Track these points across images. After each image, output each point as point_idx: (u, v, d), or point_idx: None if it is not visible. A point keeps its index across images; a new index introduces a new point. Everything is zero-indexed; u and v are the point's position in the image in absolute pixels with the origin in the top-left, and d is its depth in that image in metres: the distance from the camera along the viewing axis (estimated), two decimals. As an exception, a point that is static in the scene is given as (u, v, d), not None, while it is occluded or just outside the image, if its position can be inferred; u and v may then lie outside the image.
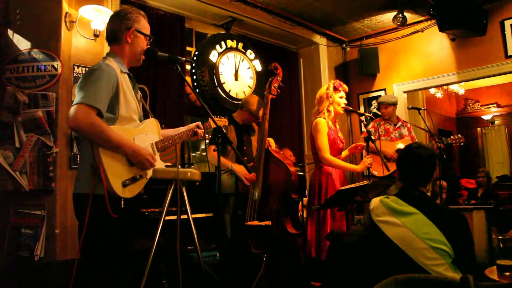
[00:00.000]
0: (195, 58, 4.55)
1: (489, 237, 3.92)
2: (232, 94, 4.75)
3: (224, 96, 4.66)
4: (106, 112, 1.99)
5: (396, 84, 5.75)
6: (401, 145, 4.45)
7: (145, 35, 2.22)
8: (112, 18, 2.21)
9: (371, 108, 5.95)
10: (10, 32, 3.29)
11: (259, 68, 5.05)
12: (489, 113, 8.89)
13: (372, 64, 5.79)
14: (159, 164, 2.25)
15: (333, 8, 5.09)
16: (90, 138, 1.93)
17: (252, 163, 3.53)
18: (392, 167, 3.83)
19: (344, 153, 3.56)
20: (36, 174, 3.16)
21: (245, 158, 3.73)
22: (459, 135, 4.52)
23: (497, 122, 8.91)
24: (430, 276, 1.49)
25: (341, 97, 3.48)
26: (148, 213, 3.12)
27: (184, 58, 2.47)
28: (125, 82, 2.11)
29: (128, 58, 2.20)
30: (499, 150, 8.86)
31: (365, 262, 2.14)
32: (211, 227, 3.62)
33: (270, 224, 3.30)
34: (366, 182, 3.01)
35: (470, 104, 9.18)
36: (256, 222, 3.34)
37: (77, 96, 1.93)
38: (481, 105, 9.04)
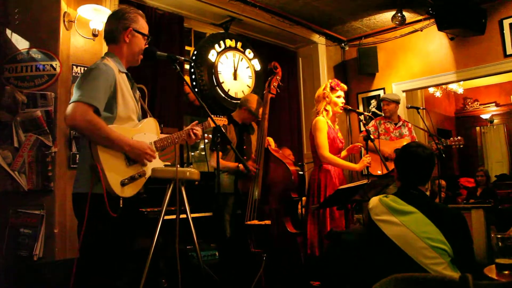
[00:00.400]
0: (194, 57, 4.55)
1: (488, 236, 3.92)
2: (231, 93, 4.75)
3: (223, 95, 4.66)
4: (104, 111, 1.99)
5: (395, 83, 5.75)
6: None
7: (143, 34, 2.22)
8: (110, 18, 2.21)
9: (370, 107, 5.96)
10: (8, 31, 3.28)
11: (258, 67, 5.04)
12: (488, 112, 8.90)
13: (371, 64, 5.79)
14: (158, 163, 2.25)
15: (332, 7, 5.09)
16: (87, 135, 1.93)
17: (252, 158, 3.52)
18: (391, 166, 3.84)
19: (343, 154, 3.57)
20: (35, 174, 3.15)
21: (245, 157, 3.73)
22: (459, 137, 4.52)
23: (496, 121, 8.92)
24: (429, 275, 1.49)
25: (338, 97, 3.49)
26: (147, 213, 3.11)
27: (183, 58, 2.46)
28: (123, 82, 2.11)
29: (126, 58, 2.20)
30: (498, 149, 8.88)
31: (364, 261, 2.15)
32: (210, 227, 3.62)
33: (269, 223, 3.30)
34: (365, 181, 3.01)
35: (469, 103, 9.19)
36: (255, 222, 3.34)
37: (74, 95, 1.93)
38: (480, 104, 9.04)
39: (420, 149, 2.09)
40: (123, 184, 1.98)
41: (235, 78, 4.85)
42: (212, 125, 2.49)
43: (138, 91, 2.32)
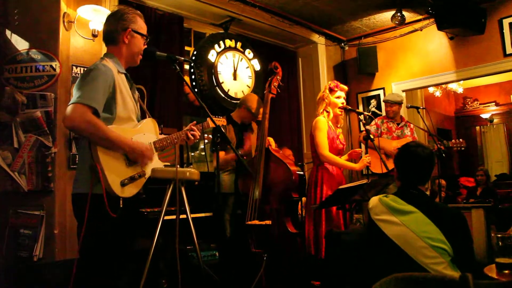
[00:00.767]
0: (193, 57, 4.55)
1: (488, 235, 3.92)
2: (231, 93, 4.75)
3: (223, 95, 4.65)
4: (103, 112, 1.99)
5: (394, 83, 5.75)
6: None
7: (142, 35, 2.22)
8: (108, 19, 2.21)
9: (370, 107, 5.96)
10: (8, 32, 3.28)
11: (257, 67, 5.04)
12: (488, 112, 8.90)
13: (371, 63, 5.80)
14: (158, 164, 2.25)
15: (331, 7, 5.09)
16: (87, 136, 1.93)
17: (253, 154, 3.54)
18: (391, 165, 3.84)
19: (344, 158, 3.57)
20: (34, 175, 3.15)
21: (245, 157, 3.73)
22: (460, 139, 4.52)
23: (495, 120, 8.92)
24: (429, 275, 1.49)
25: (338, 97, 3.50)
26: (147, 213, 3.11)
27: (182, 58, 2.46)
28: (122, 82, 2.11)
29: (125, 59, 2.20)
30: (498, 148, 8.87)
31: (364, 261, 2.15)
32: (210, 227, 3.62)
33: (270, 223, 3.30)
34: (365, 181, 3.01)
35: (469, 103, 9.19)
36: (256, 222, 3.34)
37: (73, 96, 1.94)
38: (480, 104, 9.04)
39: (420, 148, 2.09)
40: (123, 184, 1.98)
41: (234, 78, 4.85)
42: (212, 125, 2.49)
43: (137, 92, 2.32)
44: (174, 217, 2.33)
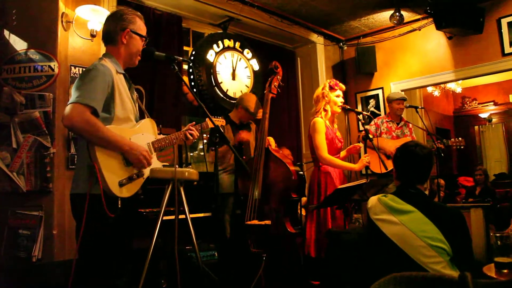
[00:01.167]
0: (192, 57, 4.55)
1: (487, 234, 3.92)
2: (230, 93, 4.74)
3: (222, 95, 4.65)
4: (102, 112, 1.99)
5: (393, 82, 5.76)
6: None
7: (140, 36, 2.22)
8: (108, 19, 2.21)
9: (368, 107, 5.96)
10: (6, 32, 3.28)
11: (256, 67, 5.04)
12: (486, 111, 8.91)
13: (369, 63, 5.80)
14: (156, 164, 2.25)
15: (330, 7, 5.09)
16: (85, 136, 1.93)
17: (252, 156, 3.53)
18: (391, 165, 3.83)
19: (342, 154, 3.57)
20: (33, 175, 3.15)
21: (244, 157, 3.72)
22: (459, 138, 4.53)
23: (494, 120, 8.93)
24: (428, 274, 1.49)
25: (337, 96, 3.49)
26: (146, 213, 3.11)
27: (181, 58, 2.45)
28: (121, 83, 2.11)
29: (123, 59, 2.20)
30: (497, 148, 8.88)
31: (363, 261, 2.15)
32: (209, 227, 3.62)
33: (269, 223, 3.30)
34: (364, 181, 3.01)
35: (468, 102, 9.20)
36: (256, 221, 3.34)
37: (72, 96, 1.93)
38: (478, 103, 9.05)
39: (418, 148, 2.09)
40: (121, 184, 1.98)
41: (233, 78, 4.85)
42: (211, 125, 2.49)
43: (135, 92, 2.31)
44: (173, 217, 2.33)
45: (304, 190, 3.73)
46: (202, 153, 5.30)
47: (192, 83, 4.51)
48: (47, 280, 2.95)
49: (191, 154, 5.29)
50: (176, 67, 2.32)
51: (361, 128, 5.68)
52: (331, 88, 3.47)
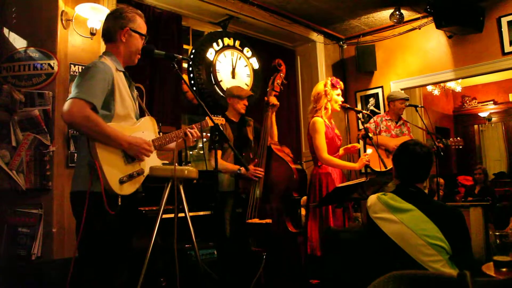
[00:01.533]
0: (192, 56, 4.54)
1: (486, 233, 3.93)
2: (230, 92, 4.73)
3: (222, 94, 4.64)
4: (102, 109, 1.99)
5: (393, 81, 5.76)
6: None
7: (140, 34, 2.21)
8: (107, 17, 2.21)
9: (368, 106, 5.96)
10: (6, 30, 3.28)
11: (256, 66, 5.04)
12: (486, 110, 8.91)
13: (369, 62, 5.80)
14: (156, 162, 2.25)
15: (330, 5, 5.09)
16: (85, 132, 1.93)
17: (256, 160, 3.50)
18: (390, 163, 3.83)
19: (340, 152, 3.55)
20: (33, 173, 3.15)
21: (243, 154, 3.71)
22: (458, 138, 4.54)
23: (494, 119, 8.93)
24: (428, 273, 1.49)
25: (338, 95, 3.48)
26: (145, 212, 3.11)
27: (181, 56, 2.45)
28: (121, 80, 2.11)
29: (123, 57, 2.20)
30: (496, 147, 8.89)
31: (362, 259, 2.15)
32: (209, 225, 3.61)
33: (270, 222, 3.30)
34: (363, 179, 3.01)
35: (467, 101, 9.20)
36: (256, 220, 3.33)
37: (72, 92, 1.93)
38: (478, 103, 9.05)
39: (418, 146, 2.09)
40: (121, 182, 1.98)
41: (233, 77, 4.85)
42: (210, 123, 2.49)
43: (135, 90, 2.31)
44: (172, 215, 2.33)
45: (305, 189, 3.73)
46: (202, 152, 5.30)
47: (192, 82, 4.51)
48: (46, 278, 2.95)
49: (191, 152, 5.29)
50: (176, 66, 2.32)
51: (361, 126, 5.69)
52: (333, 86, 3.44)
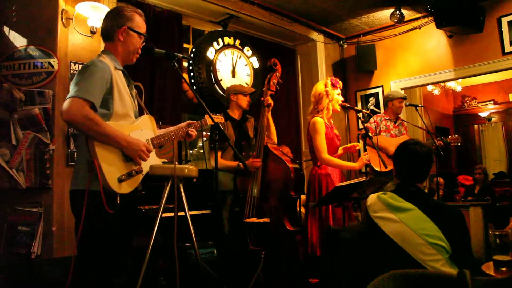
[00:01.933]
0: (192, 55, 4.54)
1: (486, 233, 3.93)
2: (230, 91, 4.73)
3: (222, 93, 4.64)
4: (101, 107, 1.99)
5: (393, 81, 5.75)
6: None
7: (138, 33, 2.20)
8: (106, 16, 2.21)
9: (368, 105, 5.96)
10: (6, 29, 3.27)
11: (256, 65, 5.03)
12: (486, 110, 8.91)
13: (370, 61, 5.79)
14: (156, 160, 2.25)
15: (330, 4, 5.09)
16: (84, 130, 1.93)
17: (252, 155, 3.51)
18: (391, 164, 3.83)
19: (340, 151, 3.55)
20: (33, 172, 3.15)
21: (244, 153, 3.71)
22: (456, 135, 4.55)
23: (494, 119, 8.93)
24: (427, 272, 1.49)
25: (338, 94, 3.48)
26: (145, 210, 3.11)
27: (181, 55, 2.45)
28: (120, 79, 2.11)
29: (121, 56, 2.19)
30: (496, 147, 8.89)
31: (362, 258, 2.15)
32: (208, 224, 3.62)
33: (268, 221, 3.30)
34: (363, 179, 3.01)
35: (467, 101, 9.20)
36: (254, 219, 3.34)
37: (70, 91, 1.93)
38: (478, 102, 9.05)
39: (418, 146, 2.09)
40: (120, 180, 1.98)
41: (233, 76, 4.85)
42: (210, 122, 2.49)
43: (134, 89, 2.31)
44: (172, 214, 2.33)
45: (303, 188, 3.73)
46: (202, 151, 5.30)
47: (192, 81, 4.51)
48: (46, 276, 2.95)
49: (191, 151, 5.29)
50: (176, 64, 2.32)
51: (361, 126, 5.69)
52: (333, 86, 3.44)
